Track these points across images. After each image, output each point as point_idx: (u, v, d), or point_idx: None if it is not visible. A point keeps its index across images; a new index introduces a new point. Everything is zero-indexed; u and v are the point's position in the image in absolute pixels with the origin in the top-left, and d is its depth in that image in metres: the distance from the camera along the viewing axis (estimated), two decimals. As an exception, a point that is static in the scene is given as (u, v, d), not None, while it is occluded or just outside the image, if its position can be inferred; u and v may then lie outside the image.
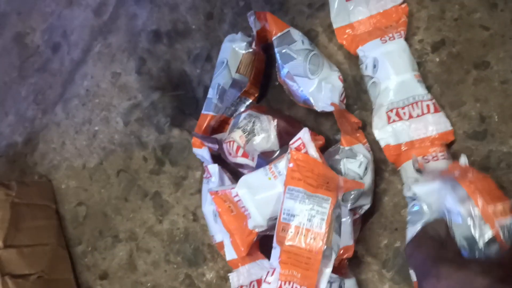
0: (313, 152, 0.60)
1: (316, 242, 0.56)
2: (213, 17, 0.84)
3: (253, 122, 0.70)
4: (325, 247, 0.56)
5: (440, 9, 0.71)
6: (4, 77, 1.09)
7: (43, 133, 0.95)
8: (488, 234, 0.52)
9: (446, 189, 0.57)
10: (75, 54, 0.98)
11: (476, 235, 0.53)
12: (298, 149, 0.61)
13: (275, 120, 0.70)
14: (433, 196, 0.59)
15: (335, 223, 0.58)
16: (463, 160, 0.61)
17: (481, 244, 0.52)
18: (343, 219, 0.63)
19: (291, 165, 0.59)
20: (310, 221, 0.57)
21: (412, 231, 0.64)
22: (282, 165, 0.62)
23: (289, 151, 0.60)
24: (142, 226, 0.84)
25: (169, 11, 0.87)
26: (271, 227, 0.63)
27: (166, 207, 0.82)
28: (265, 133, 0.69)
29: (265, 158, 0.68)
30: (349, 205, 0.63)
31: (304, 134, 0.61)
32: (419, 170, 0.63)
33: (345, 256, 0.64)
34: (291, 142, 0.62)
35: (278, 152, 0.68)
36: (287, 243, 0.57)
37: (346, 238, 0.64)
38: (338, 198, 0.59)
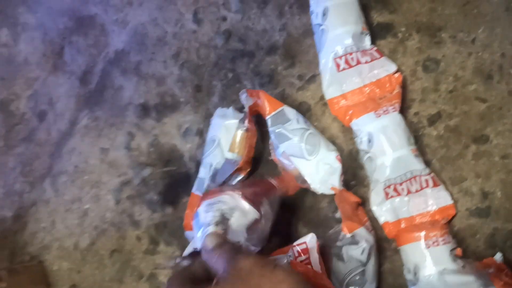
0: (314, 262, 0.58)
1: None
2: (201, 89, 0.82)
3: (218, 210, 0.61)
4: None
5: (434, 81, 0.70)
6: (-10, 146, 1.07)
7: (32, 210, 0.92)
8: None
9: (478, 285, 0.57)
10: (61, 124, 0.95)
11: None
12: (300, 253, 0.59)
13: (238, 191, 0.65)
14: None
15: None
16: (499, 257, 0.60)
17: None
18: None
19: None
20: None
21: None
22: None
23: (288, 258, 0.58)
24: (139, 308, 0.81)
25: (156, 83, 0.85)
26: None
27: (163, 288, 0.80)
28: (237, 209, 0.64)
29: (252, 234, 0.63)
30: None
31: (310, 240, 0.59)
32: (456, 259, 0.61)
33: None
34: (296, 243, 0.60)
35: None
36: None
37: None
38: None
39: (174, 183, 0.81)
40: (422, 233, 0.62)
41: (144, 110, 0.85)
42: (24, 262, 0.90)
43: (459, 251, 0.62)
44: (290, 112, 0.70)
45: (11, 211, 0.96)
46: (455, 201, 0.66)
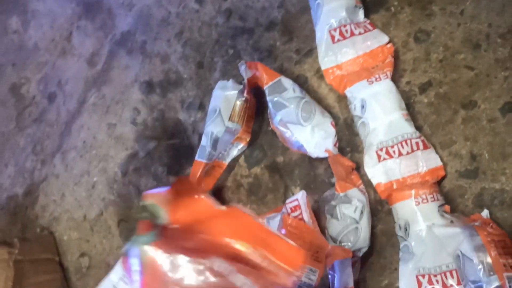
0: (306, 217, 0.61)
1: None
2: (203, 66, 0.86)
3: None
4: None
5: (425, 51, 0.73)
6: (2, 128, 1.11)
7: (43, 185, 0.97)
8: (495, 283, 0.54)
9: (464, 235, 0.60)
10: (70, 105, 0.99)
11: (484, 282, 0.56)
12: (292, 209, 0.62)
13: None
14: (451, 240, 0.62)
15: None
16: (485, 213, 0.63)
17: None
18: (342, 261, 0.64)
19: (283, 231, 0.60)
20: None
21: (403, 269, 0.66)
22: (274, 223, 0.62)
23: (281, 214, 0.61)
24: (145, 275, 0.84)
25: (160, 61, 0.89)
26: None
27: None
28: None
29: None
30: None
31: (301, 196, 0.62)
32: (444, 214, 0.65)
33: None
34: (287, 201, 0.63)
35: None
36: None
37: (346, 281, 0.65)
38: (326, 269, 0.60)
39: (178, 155, 0.85)
40: (413, 191, 0.66)
41: (149, 86, 0.89)
42: (36, 233, 0.94)
43: (447, 207, 0.65)
44: (286, 82, 0.74)
45: (22, 188, 1.00)
46: (445, 164, 0.69)
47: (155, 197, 0.64)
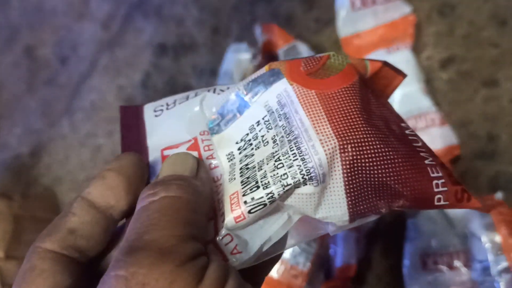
0: None
1: (298, 280, 0.57)
2: (219, 31, 0.84)
3: None
4: (306, 285, 0.57)
5: (449, 26, 0.70)
6: (15, 89, 1.10)
7: (49, 146, 0.95)
8: (504, 264, 0.53)
9: (474, 213, 0.57)
10: (83, 67, 0.98)
11: (491, 262, 0.53)
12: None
13: None
14: (460, 218, 0.60)
15: (319, 261, 0.58)
16: (499, 195, 0.61)
17: (494, 271, 0.53)
18: (346, 235, 0.62)
19: None
20: (295, 258, 0.58)
21: (409, 248, 0.63)
22: None
23: None
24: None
25: (175, 25, 0.87)
26: None
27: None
28: None
29: None
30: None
31: None
32: None
33: (347, 275, 0.62)
34: None
35: None
36: (270, 274, 0.57)
37: (349, 256, 0.63)
38: (327, 238, 0.59)
39: (186, 121, 0.83)
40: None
41: (162, 50, 0.87)
42: (38, 192, 0.93)
43: None
44: (301, 46, 0.71)
45: (28, 148, 0.99)
46: (461, 143, 0.66)
47: None
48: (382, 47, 0.68)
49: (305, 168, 0.26)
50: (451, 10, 0.70)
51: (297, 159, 0.27)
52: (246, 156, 0.29)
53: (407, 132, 0.30)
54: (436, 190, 0.28)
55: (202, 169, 0.27)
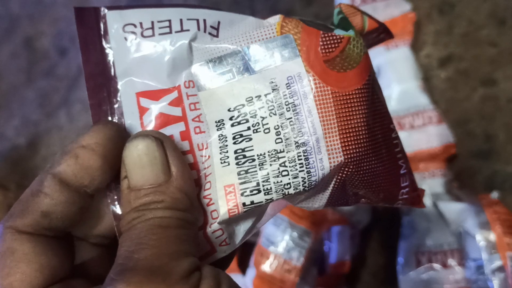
0: None
1: (291, 275, 0.57)
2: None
3: None
4: (299, 280, 0.57)
5: (448, 25, 0.70)
6: (13, 80, 1.10)
7: (46, 137, 0.95)
8: (497, 262, 0.53)
9: (469, 212, 0.57)
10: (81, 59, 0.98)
11: (485, 260, 0.54)
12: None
13: None
14: (456, 216, 0.60)
15: (313, 256, 0.58)
16: (495, 195, 0.61)
17: (488, 269, 0.53)
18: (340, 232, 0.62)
19: None
20: (289, 253, 0.57)
21: (403, 245, 0.63)
22: None
23: None
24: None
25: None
26: None
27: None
28: None
29: None
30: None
31: None
32: (451, 190, 0.62)
33: (341, 272, 0.62)
34: None
35: None
36: (263, 268, 0.57)
37: (343, 253, 0.63)
38: (321, 233, 0.59)
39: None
40: (421, 165, 0.63)
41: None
42: (33, 183, 0.93)
43: (455, 185, 0.62)
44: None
45: (25, 139, 0.99)
46: (458, 142, 0.66)
47: None
48: (381, 45, 0.68)
49: (308, 181, 0.26)
50: (450, 8, 0.70)
51: (303, 170, 0.26)
52: (241, 136, 0.26)
53: (392, 135, 0.30)
54: (400, 197, 0.30)
55: (175, 161, 0.24)
